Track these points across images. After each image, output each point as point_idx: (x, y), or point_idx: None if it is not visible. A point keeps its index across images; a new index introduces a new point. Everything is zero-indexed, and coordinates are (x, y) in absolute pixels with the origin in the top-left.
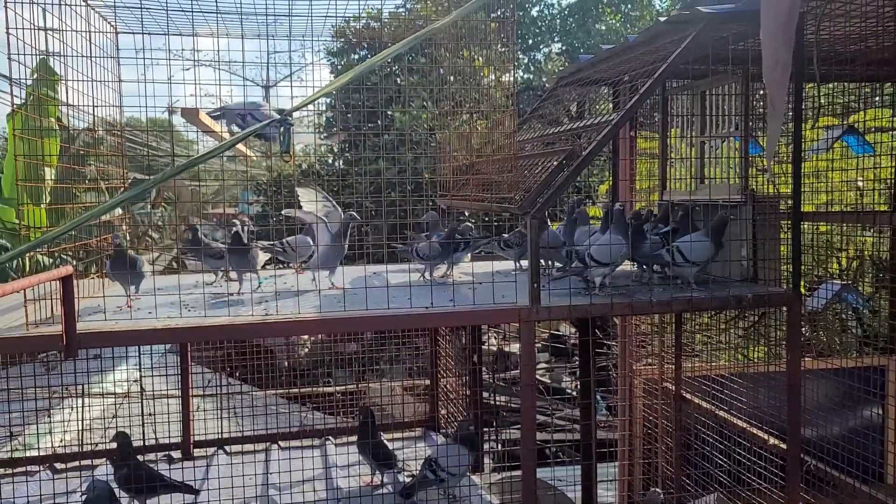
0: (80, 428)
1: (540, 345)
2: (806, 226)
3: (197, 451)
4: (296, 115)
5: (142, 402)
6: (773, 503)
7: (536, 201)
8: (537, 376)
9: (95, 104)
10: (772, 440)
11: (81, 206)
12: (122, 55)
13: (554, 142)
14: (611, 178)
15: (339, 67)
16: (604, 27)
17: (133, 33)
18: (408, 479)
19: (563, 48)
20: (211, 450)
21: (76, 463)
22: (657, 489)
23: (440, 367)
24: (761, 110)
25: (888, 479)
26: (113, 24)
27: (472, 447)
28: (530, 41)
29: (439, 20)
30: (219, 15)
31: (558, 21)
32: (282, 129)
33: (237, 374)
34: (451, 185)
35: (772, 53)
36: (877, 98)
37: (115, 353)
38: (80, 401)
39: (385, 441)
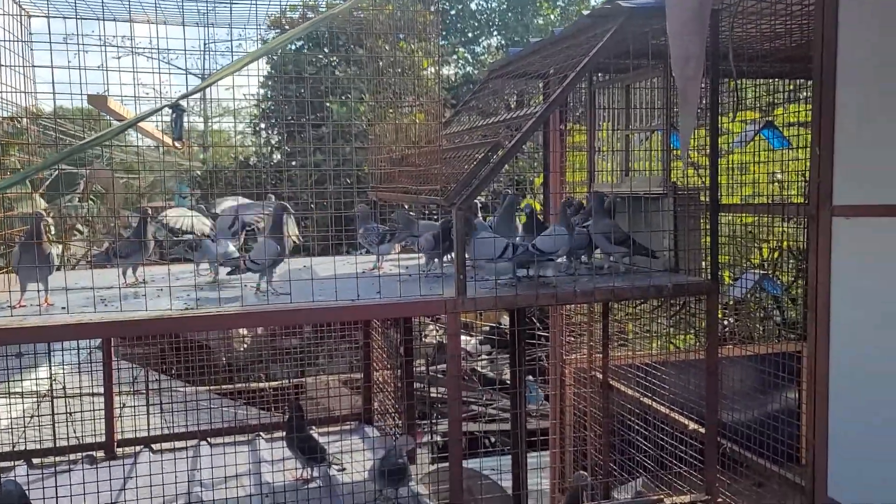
0: None
1: (482, 337)
2: (730, 217)
3: (121, 451)
4: (231, 106)
5: (52, 402)
6: (694, 485)
7: (462, 193)
8: (478, 368)
9: (12, 92)
10: (692, 425)
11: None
12: (46, 41)
13: (487, 134)
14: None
15: (275, 57)
16: (542, 21)
17: (45, 17)
18: (337, 473)
19: (502, 42)
20: (136, 448)
21: None
22: (583, 472)
23: (373, 361)
24: None
25: (803, 461)
26: (22, 5)
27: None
28: (469, 34)
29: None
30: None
31: (497, 15)
32: (174, 115)
33: (172, 372)
34: (382, 177)
35: (681, 47)
36: (801, 96)
37: (39, 351)
38: None
39: (314, 435)
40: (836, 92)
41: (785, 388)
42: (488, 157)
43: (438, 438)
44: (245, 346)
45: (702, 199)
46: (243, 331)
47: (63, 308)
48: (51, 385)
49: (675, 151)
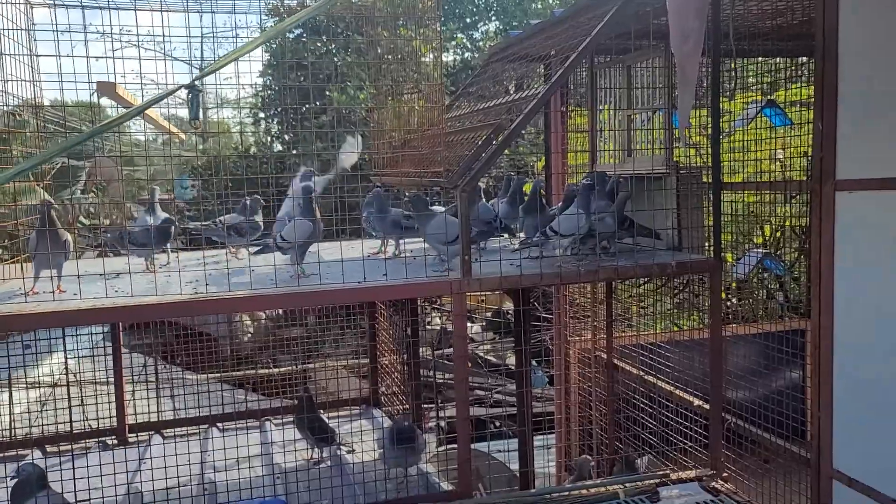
0: (10, 417)
1: (485, 323)
2: (732, 197)
3: (134, 436)
4: (232, 96)
5: (67, 389)
6: (700, 461)
7: (465, 175)
8: (482, 354)
9: (15, 81)
10: (697, 402)
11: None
12: (50, 31)
13: (489, 116)
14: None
15: (274, 46)
16: (541, 5)
17: (47, 6)
18: (346, 454)
19: (501, 27)
20: (148, 434)
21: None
22: (587, 455)
23: (379, 345)
24: None
25: (808, 436)
26: None
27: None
28: (468, 20)
29: None
30: None
31: (495, 0)
32: (190, 95)
33: (179, 362)
34: (385, 162)
35: (680, 25)
36: (802, 77)
37: (50, 342)
38: (9, 390)
39: (323, 416)
40: (837, 67)
41: (790, 364)
42: (490, 139)
43: (444, 424)
44: (249, 335)
45: (704, 178)
46: (247, 319)
47: (75, 294)
48: (66, 373)
49: (676, 131)
